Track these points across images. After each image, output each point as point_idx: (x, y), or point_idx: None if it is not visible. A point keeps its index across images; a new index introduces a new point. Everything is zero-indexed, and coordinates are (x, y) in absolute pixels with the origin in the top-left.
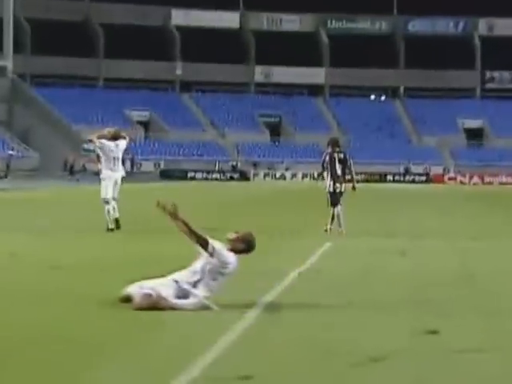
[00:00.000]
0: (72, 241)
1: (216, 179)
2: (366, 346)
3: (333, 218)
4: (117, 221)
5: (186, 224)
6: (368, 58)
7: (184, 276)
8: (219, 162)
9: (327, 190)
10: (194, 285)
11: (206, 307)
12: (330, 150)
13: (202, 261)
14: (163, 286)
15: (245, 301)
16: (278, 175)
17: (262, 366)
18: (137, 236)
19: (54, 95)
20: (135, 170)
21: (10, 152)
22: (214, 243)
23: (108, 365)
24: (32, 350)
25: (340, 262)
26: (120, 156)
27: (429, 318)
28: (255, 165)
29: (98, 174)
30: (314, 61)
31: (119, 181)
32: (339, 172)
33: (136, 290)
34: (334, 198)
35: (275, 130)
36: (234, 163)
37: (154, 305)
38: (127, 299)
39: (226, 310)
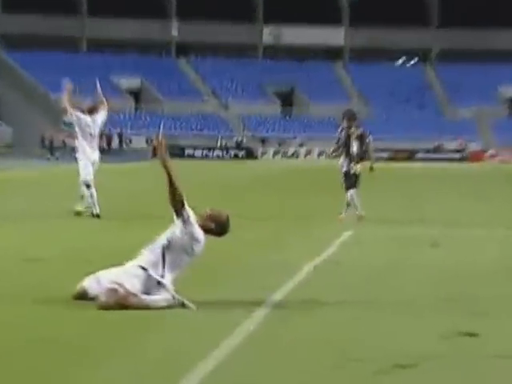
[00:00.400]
0: (51, 228)
1: (218, 157)
2: (392, 350)
3: (348, 204)
4: (96, 216)
5: (170, 174)
6: (395, 15)
7: (148, 260)
8: (221, 137)
9: (342, 170)
10: (162, 270)
11: (180, 304)
12: (345, 124)
13: (168, 234)
14: (126, 276)
15: (252, 298)
16: (289, 153)
17: (269, 373)
18: (125, 223)
19: (29, 60)
20: (124, 146)
21: None
22: (189, 211)
23: (96, 372)
24: (5, 353)
25: (361, 254)
26: (97, 133)
27: (464, 319)
28: (263, 141)
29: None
30: (331, 19)
31: (96, 163)
32: (356, 150)
33: (94, 284)
34: (349, 181)
35: (287, 101)
36: (239, 139)
37: (122, 302)
38: (82, 295)
39: (229, 309)
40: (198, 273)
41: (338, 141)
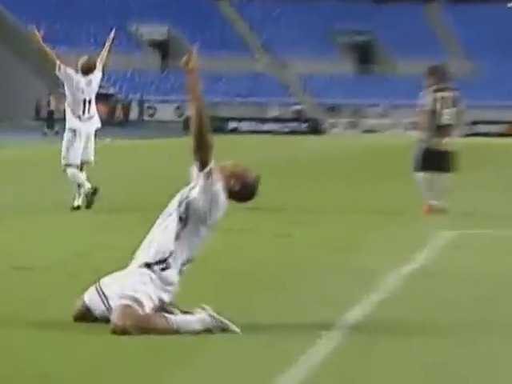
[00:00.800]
0: (46, 227)
1: (271, 132)
2: None
3: (430, 184)
4: (94, 193)
5: (200, 97)
6: None
7: (156, 246)
8: (276, 105)
9: (424, 145)
10: (170, 254)
11: (220, 327)
12: (432, 85)
13: (184, 199)
14: (135, 283)
15: (320, 318)
16: (367, 126)
17: None
18: (143, 219)
19: (20, 3)
20: (146, 117)
21: None
22: (214, 164)
23: None
24: None
25: (463, 261)
26: (93, 98)
27: None
28: (332, 110)
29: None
30: None
31: (92, 137)
32: (447, 119)
33: (97, 299)
34: (433, 160)
35: (363, 56)
36: (299, 108)
37: (144, 325)
38: (84, 315)
39: (290, 333)
40: (247, 283)
41: (423, 106)
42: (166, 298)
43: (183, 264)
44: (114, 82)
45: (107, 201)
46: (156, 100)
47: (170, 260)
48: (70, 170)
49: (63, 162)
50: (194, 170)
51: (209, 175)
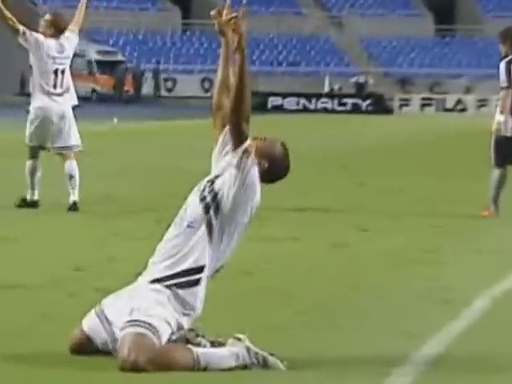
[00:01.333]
0: (37, 233)
1: (325, 111)
2: None
3: (499, 187)
4: (24, 203)
5: (245, 65)
6: None
7: (169, 253)
8: (331, 76)
9: (500, 132)
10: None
11: (260, 362)
12: (508, 54)
13: (210, 189)
14: (148, 304)
15: (389, 351)
16: (449, 103)
17: None
18: (152, 224)
19: None
20: (163, 92)
21: None
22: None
23: None
24: None
25: None
26: (67, 68)
27: None
28: (404, 82)
29: (88, 98)
30: None
31: (69, 116)
32: None
33: (98, 326)
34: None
35: (443, 13)
36: (362, 79)
37: (164, 361)
38: (83, 346)
39: (351, 370)
40: (293, 306)
41: (508, 79)
42: (185, 322)
43: (208, 276)
44: (123, 46)
45: (112, 200)
46: (176, 70)
47: (192, 272)
48: (30, 163)
49: (28, 143)
50: (220, 153)
51: (245, 156)
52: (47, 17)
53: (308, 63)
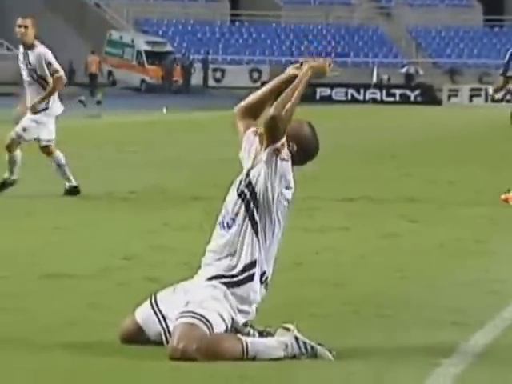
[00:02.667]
0: (85, 223)
1: (374, 101)
2: None
3: None
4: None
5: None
6: None
7: (220, 253)
8: (379, 67)
9: None
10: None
11: (309, 353)
12: None
13: (248, 187)
14: (202, 299)
15: (439, 341)
16: (500, 94)
17: None
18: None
19: None
20: (212, 83)
21: None
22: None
23: None
24: None
25: None
26: (27, 79)
27: None
28: (452, 73)
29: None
30: None
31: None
32: None
33: (153, 318)
34: None
35: (492, 3)
36: (411, 70)
37: (213, 349)
38: (134, 336)
39: (401, 360)
40: (342, 297)
41: (505, 71)
42: (241, 320)
43: (264, 274)
44: (172, 36)
45: (161, 190)
46: (224, 60)
47: (247, 269)
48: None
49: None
50: (248, 151)
51: (275, 153)
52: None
53: (356, 54)
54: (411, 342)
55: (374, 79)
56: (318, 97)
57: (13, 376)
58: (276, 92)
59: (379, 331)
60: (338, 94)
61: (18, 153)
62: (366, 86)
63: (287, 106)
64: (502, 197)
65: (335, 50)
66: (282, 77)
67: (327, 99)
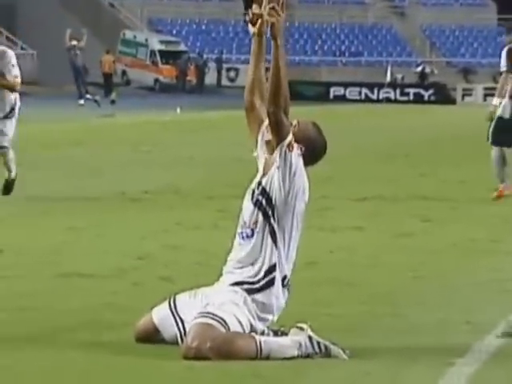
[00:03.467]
0: (100, 223)
1: (387, 100)
2: None
3: (503, 162)
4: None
5: (281, 52)
6: None
7: (243, 260)
8: (393, 66)
9: (499, 113)
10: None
11: (323, 352)
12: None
13: (262, 194)
14: (221, 302)
15: (453, 341)
16: None
17: None
18: (215, 212)
19: None
20: (226, 82)
21: None
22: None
23: None
24: None
25: None
26: None
27: None
28: (466, 72)
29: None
30: None
31: None
32: None
33: (169, 319)
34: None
35: (506, 2)
36: (425, 69)
37: (227, 347)
38: (150, 335)
39: (415, 359)
40: (356, 296)
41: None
42: (260, 327)
43: (285, 277)
44: (186, 36)
45: (175, 189)
46: (238, 60)
47: (267, 274)
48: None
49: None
50: (262, 152)
51: (288, 151)
52: None
53: (370, 53)
54: (425, 342)
55: (388, 78)
56: (331, 96)
57: (29, 375)
58: (260, 61)
59: (393, 331)
60: (352, 93)
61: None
62: (380, 86)
63: (279, 92)
64: (495, 194)
65: (349, 49)
66: (254, 45)
67: (341, 98)
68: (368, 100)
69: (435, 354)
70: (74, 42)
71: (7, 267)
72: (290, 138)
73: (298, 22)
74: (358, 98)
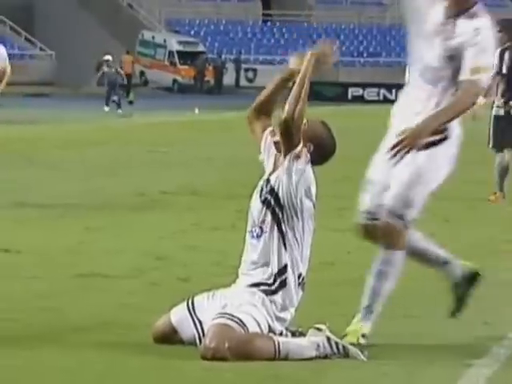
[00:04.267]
0: (117, 223)
1: None
2: None
3: (503, 173)
4: None
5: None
6: None
7: (257, 262)
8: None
9: (493, 113)
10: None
11: (341, 352)
12: (507, 41)
13: (272, 196)
14: (239, 304)
15: (471, 342)
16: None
17: None
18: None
19: None
20: (244, 83)
21: None
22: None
23: None
24: None
25: None
26: None
27: None
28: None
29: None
30: None
31: None
32: None
33: (188, 321)
34: (506, 132)
35: None
36: None
37: (245, 347)
38: (168, 336)
39: (434, 360)
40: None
41: (501, 69)
42: (279, 328)
43: (300, 275)
44: (204, 36)
45: (194, 190)
46: (256, 60)
47: (280, 274)
48: None
49: None
50: (267, 156)
51: (297, 157)
52: None
53: (388, 54)
54: (443, 343)
55: (406, 79)
56: (349, 97)
57: (46, 375)
58: (281, 87)
59: (411, 332)
60: (370, 93)
61: None
62: (398, 86)
63: (298, 106)
64: (492, 198)
65: (367, 49)
66: (285, 74)
67: (359, 99)
68: (386, 101)
69: (453, 356)
70: (107, 57)
71: (26, 268)
72: (299, 147)
73: (316, 22)
74: (376, 98)
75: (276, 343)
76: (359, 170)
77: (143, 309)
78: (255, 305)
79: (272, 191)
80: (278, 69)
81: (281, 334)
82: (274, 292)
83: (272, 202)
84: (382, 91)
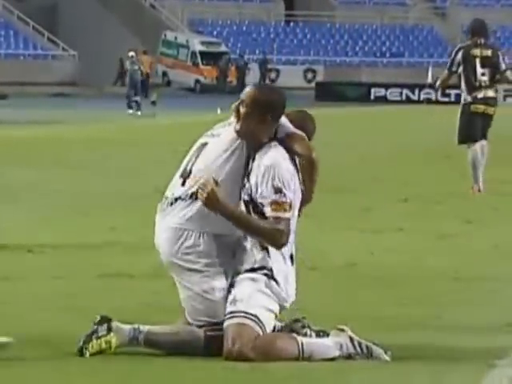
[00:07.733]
0: (144, 220)
1: (428, 102)
2: None
3: (475, 166)
4: None
5: (240, 217)
6: None
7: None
8: (434, 67)
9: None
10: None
11: (364, 353)
12: (468, 41)
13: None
14: (250, 295)
15: (494, 342)
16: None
17: None
18: None
19: None
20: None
21: None
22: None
23: None
24: None
25: None
26: None
27: None
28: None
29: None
30: None
31: None
32: (483, 80)
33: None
34: (472, 126)
35: None
36: None
37: (268, 348)
38: None
39: (457, 361)
40: (398, 297)
41: (451, 65)
42: (286, 305)
43: (292, 255)
44: (226, 37)
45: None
46: (279, 61)
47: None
48: None
49: None
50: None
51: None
52: None
53: (411, 54)
54: (466, 344)
55: (429, 79)
56: (372, 97)
57: (71, 374)
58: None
59: (434, 332)
60: (393, 94)
61: None
62: (421, 86)
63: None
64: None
65: (390, 50)
66: None
67: (382, 99)
68: (409, 101)
69: (477, 356)
70: (131, 53)
71: (50, 268)
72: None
73: (338, 22)
74: (398, 98)
75: (300, 343)
76: (383, 170)
77: (167, 309)
78: (261, 290)
79: (248, 194)
80: (300, 69)
81: (305, 334)
82: (272, 276)
83: (250, 205)
84: (405, 91)
